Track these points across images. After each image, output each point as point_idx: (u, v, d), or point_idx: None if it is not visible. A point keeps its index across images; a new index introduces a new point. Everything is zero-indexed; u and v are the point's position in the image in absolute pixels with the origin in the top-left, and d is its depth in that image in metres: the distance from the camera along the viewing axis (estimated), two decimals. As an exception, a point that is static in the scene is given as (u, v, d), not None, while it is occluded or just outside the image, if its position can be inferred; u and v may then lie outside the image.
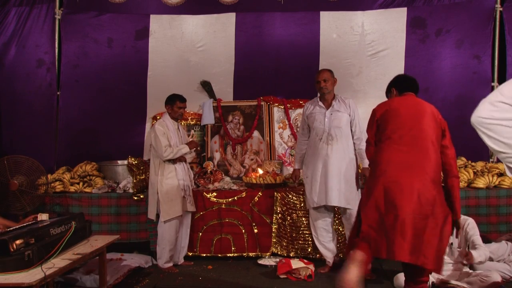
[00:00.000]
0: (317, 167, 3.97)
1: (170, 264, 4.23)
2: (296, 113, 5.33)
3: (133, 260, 4.27)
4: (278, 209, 4.46)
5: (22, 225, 2.97)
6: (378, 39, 5.31)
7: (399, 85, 3.03)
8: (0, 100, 5.31)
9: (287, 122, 5.34)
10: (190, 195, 4.32)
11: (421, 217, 2.47)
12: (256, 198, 4.49)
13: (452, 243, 3.49)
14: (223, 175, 5.03)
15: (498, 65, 5.17)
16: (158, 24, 5.42)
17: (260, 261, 4.36)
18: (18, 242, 2.60)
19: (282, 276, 3.93)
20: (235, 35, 5.40)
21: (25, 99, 5.31)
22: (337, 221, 4.33)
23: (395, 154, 2.62)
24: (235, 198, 4.51)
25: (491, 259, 3.72)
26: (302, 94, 5.28)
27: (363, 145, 3.78)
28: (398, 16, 5.28)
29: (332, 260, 4.09)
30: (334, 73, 4.13)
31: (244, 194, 4.51)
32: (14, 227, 2.87)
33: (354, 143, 4.02)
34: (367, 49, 5.32)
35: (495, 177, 4.50)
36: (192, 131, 4.93)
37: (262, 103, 5.36)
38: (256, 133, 5.32)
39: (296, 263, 4.01)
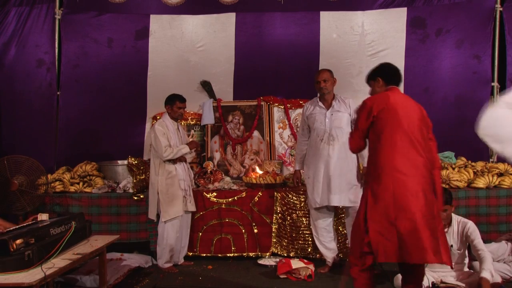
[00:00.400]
0: (319, 168, 3.97)
1: (170, 264, 4.23)
2: (296, 113, 5.33)
3: (133, 260, 4.27)
4: (278, 209, 4.46)
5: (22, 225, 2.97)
6: (378, 39, 5.31)
7: (387, 77, 2.95)
8: (0, 100, 5.31)
9: (287, 122, 5.34)
10: (190, 195, 4.32)
11: (430, 217, 2.56)
12: (256, 198, 4.49)
13: (452, 245, 3.48)
14: (223, 175, 5.03)
15: (498, 65, 5.18)
16: (158, 24, 5.41)
17: (260, 261, 4.36)
18: (18, 242, 2.60)
19: (282, 276, 3.93)
20: (235, 35, 5.40)
21: (25, 99, 5.31)
22: (337, 221, 4.33)
23: (398, 157, 2.62)
24: (235, 198, 4.51)
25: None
26: (302, 94, 5.28)
27: None
28: (398, 16, 5.28)
29: (332, 260, 4.10)
30: (334, 73, 4.13)
31: (244, 194, 4.51)
32: (14, 228, 2.87)
33: None
34: (367, 49, 5.32)
35: (495, 177, 4.50)
36: (192, 131, 4.93)
37: (262, 103, 5.36)
38: (256, 133, 5.32)
39: (296, 263, 4.01)
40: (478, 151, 5.04)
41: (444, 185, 4.29)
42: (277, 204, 4.46)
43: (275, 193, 4.47)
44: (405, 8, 5.27)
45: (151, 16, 5.41)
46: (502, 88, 5.21)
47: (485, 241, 3.74)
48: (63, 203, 4.58)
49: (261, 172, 4.80)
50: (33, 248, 2.60)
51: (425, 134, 2.72)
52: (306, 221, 4.38)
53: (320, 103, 4.09)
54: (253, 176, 4.66)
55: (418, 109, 2.78)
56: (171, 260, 4.24)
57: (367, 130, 2.78)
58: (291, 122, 5.32)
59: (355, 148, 2.94)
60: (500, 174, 4.59)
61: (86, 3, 5.37)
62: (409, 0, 5.27)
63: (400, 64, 5.27)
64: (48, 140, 5.31)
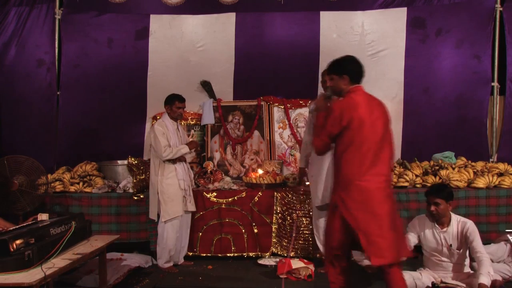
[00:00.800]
0: (323, 166, 3.97)
1: (170, 264, 4.23)
2: (296, 113, 5.33)
3: (133, 260, 4.26)
4: (278, 209, 4.47)
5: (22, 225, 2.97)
6: (378, 39, 5.31)
7: (354, 75, 2.85)
8: (0, 100, 5.31)
9: (287, 122, 5.34)
10: (190, 195, 4.32)
11: (395, 218, 2.76)
12: (256, 198, 4.49)
13: (451, 245, 3.48)
14: (223, 175, 5.03)
15: (498, 65, 5.18)
16: (158, 24, 5.41)
17: (260, 261, 4.36)
18: (18, 242, 2.60)
19: (282, 276, 3.93)
20: (235, 35, 5.40)
21: (25, 99, 5.32)
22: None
23: (364, 169, 2.67)
24: (235, 198, 4.51)
25: (491, 260, 3.71)
26: (302, 94, 5.28)
27: None
28: (398, 16, 5.28)
29: (332, 260, 4.09)
30: (334, 73, 4.12)
31: (244, 194, 4.51)
32: (14, 228, 2.87)
33: None
34: (367, 49, 5.32)
35: (495, 177, 4.50)
36: (192, 131, 4.93)
37: (262, 103, 5.36)
38: (256, 133, 5.32)
39: (296, 263, 4.00)
40: (478, 151, 5.04)
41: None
42: (277, 204, 4.46)
43: (275, 193, 4.47)
44: (405, 8, 5.27)
45: (151, 16, 5.41)
46: (502, 88, 5.22)
47: (485, 241, 3.75)
48: (63, 203, 4.58)
49: (261, 172, 4.80)
50: (33, 248, 2.60)
51: (388, 138, 2.78)
52: (306, 221, 4.39)
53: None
54: (253, 176, 4.66)
55: (382, 110, 2.81)
56: (171, 260, 4.23)
57: (336, 136, 2.76)
58: (291, 122, 5.32)
59: (323, 148, 2.86)
60: (500, 174, 4.59)
61: (86, 3, 5.37)
62: (409, 0, 5.27)
63: (400, 64, 5.29)
64: (48, 140, 5.32)
